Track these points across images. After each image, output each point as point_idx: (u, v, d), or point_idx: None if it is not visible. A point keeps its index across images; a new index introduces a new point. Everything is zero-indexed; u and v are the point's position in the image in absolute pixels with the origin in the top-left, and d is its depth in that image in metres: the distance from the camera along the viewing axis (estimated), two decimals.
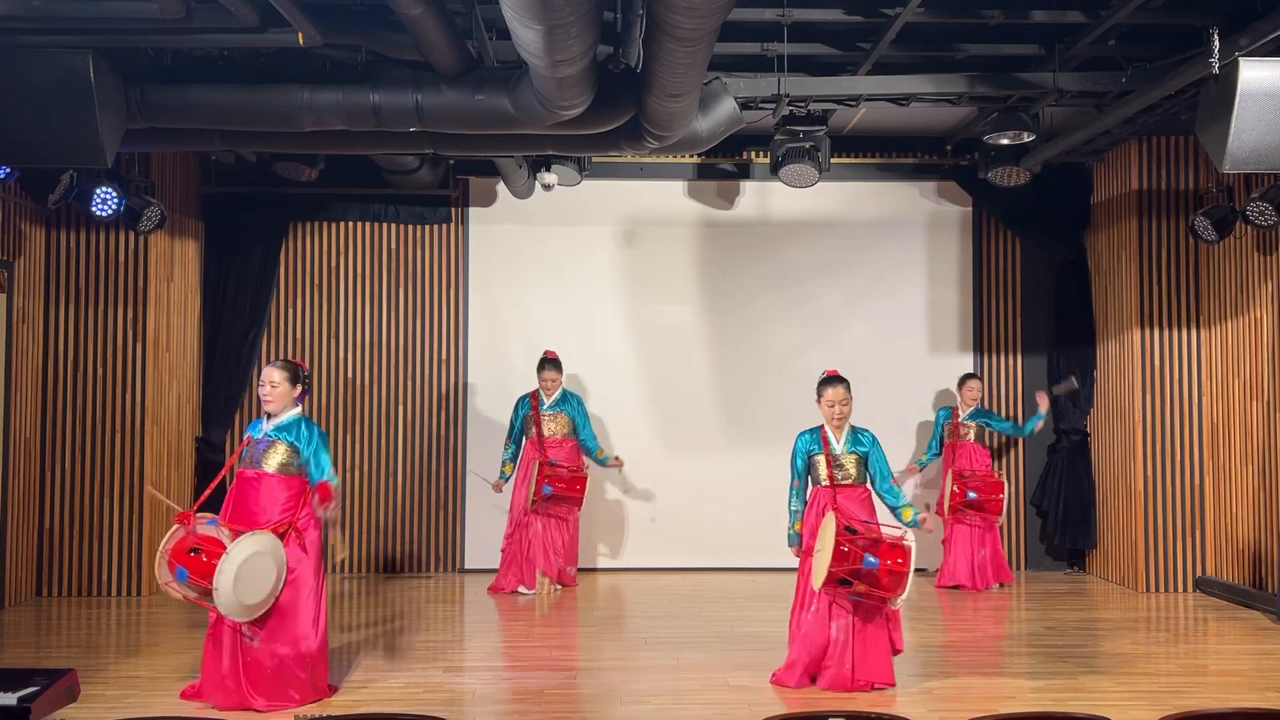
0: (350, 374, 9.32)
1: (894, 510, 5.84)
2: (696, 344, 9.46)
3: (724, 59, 6.69)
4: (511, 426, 8.51)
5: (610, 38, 5.86)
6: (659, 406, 9.39)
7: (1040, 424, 8.90)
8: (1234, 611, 7.67)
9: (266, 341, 9.21)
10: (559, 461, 8.25)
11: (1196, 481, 8.38)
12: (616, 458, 8.74)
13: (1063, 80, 6.73)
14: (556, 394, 8.42)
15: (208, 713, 5.16)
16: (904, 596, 5.38)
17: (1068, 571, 9.31)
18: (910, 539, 5.45)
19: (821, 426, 5.90)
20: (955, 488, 8.44)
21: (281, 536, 5.24)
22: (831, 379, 5.88)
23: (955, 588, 8.51)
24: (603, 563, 9.33)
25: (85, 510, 8.14)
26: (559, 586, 8.40)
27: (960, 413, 8.77)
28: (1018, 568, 9.30)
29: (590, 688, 5.78)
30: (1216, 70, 5.51)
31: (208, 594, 5.00)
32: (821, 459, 5.81)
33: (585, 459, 8.49)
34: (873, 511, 5.80)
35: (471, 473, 9.08)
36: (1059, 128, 8.09)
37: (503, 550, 8.41)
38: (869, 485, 5.86)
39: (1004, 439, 9.34)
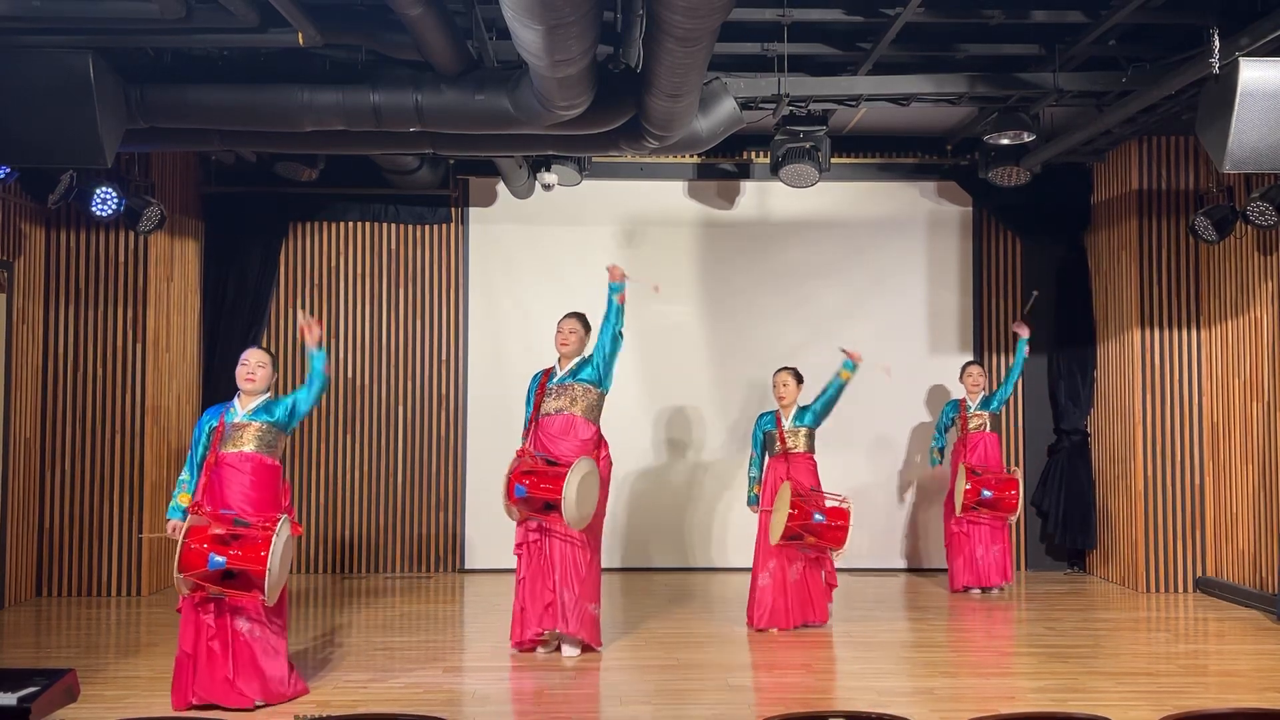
0: (350, 374, 9.31)
1: (839, 382, 7.19)
2: (697, 344, 9.45)
3: (724, 59, 6.69)
4: (527, 417, 6.49)
5: (610, 38, 5.86)
6: (658, 406, 9.39)
7: (1027, 348, 8.43)
8: (1234, 611, 7.67)
9: (266, 341, 9.19)
10: (552, 453, 6.16)
11: (1196, 481, 8.37)
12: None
13: (1063, 80, 6.73)
14: (573, 363, 6.36)
15: (207, 713, 5.16)
16: (845, 548, 6.96)
17: (1068, 571, 9.30)
18: (848, 503, 6.93)
19: (776, 411, 7.27)
20: (969, 485, 8.05)
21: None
22: (783, 369, 7.38)
23: (982, 589, 8.23)
24: (602, 563, 9.30)
25: (85, 510, 8.14)
26: (578, 646, 6.30)
27: (969, 404, 8.48)
28: (1018, 568, 9.29)
29: (590, 688, 5.78)
30: (1217, 70, 5.51)
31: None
32: (776, 433, 7.17)
33: (597, 439, 6.52)
34: (818, 479, 7.11)
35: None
36: (1059, 128, 8.09)
37: (518, 585, 6.40)
38: (814, 453, 7.21)
39: (1010, 436, 9.31)
